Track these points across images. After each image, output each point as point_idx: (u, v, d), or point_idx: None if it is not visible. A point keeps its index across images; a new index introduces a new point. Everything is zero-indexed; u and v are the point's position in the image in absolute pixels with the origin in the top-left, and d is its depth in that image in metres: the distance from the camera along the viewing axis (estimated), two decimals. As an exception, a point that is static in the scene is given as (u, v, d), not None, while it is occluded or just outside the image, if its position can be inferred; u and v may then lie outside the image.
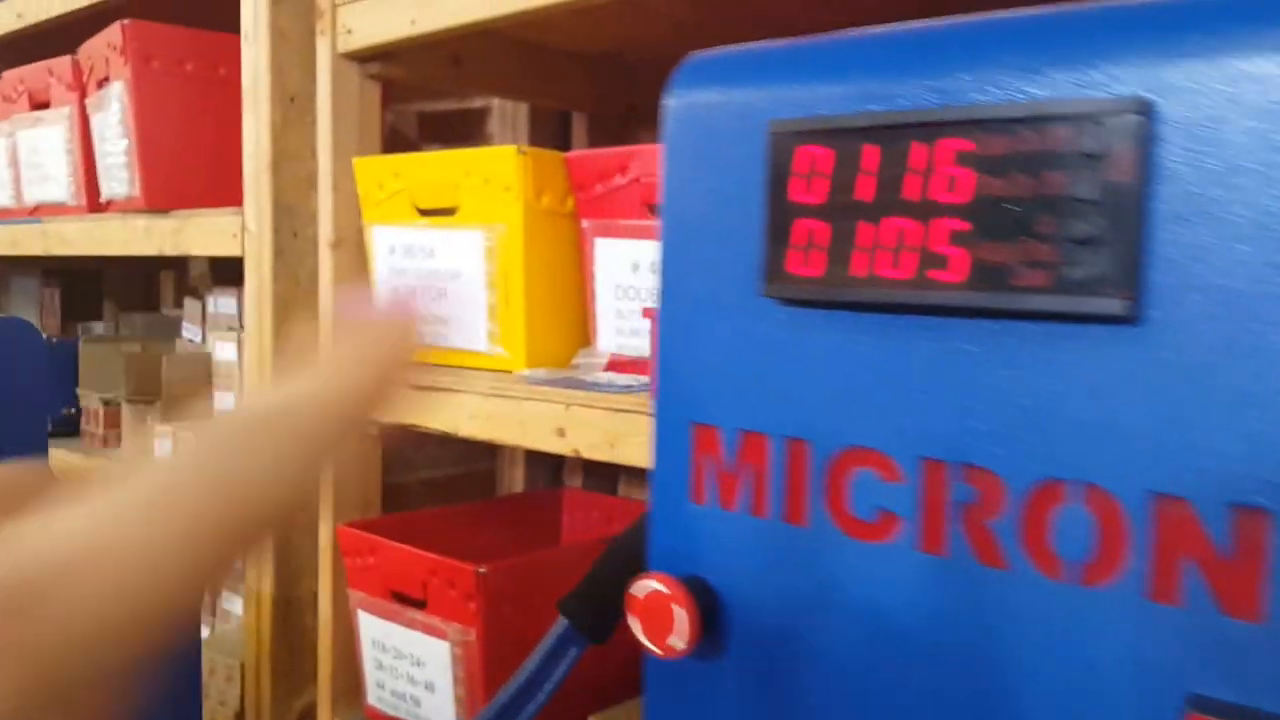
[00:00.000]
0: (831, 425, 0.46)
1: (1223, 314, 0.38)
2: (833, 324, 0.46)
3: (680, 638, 0.48)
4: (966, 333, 0.43)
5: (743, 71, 0.49)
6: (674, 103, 0.51)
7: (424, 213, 1.13)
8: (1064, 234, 0.40)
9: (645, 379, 1.01)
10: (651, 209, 1.06)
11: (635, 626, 0.49)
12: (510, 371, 1.08)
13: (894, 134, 0.44)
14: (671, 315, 0.51)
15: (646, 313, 0.94)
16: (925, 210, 0.43)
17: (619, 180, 1.08)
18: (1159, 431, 0.39)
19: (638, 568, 0.63)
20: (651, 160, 1.06)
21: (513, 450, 1.50)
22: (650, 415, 0.52)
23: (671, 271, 0.52)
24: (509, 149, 1.08)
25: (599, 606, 0.64)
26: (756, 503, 0.48)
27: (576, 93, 1.37)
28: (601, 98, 1.38)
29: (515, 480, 1.52)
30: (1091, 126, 0.39)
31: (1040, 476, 0.41)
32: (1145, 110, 0.39)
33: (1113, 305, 0.39)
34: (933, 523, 0.44)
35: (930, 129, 0.43)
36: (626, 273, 1.08)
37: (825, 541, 0.46)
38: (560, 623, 0.64)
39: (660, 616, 0.48)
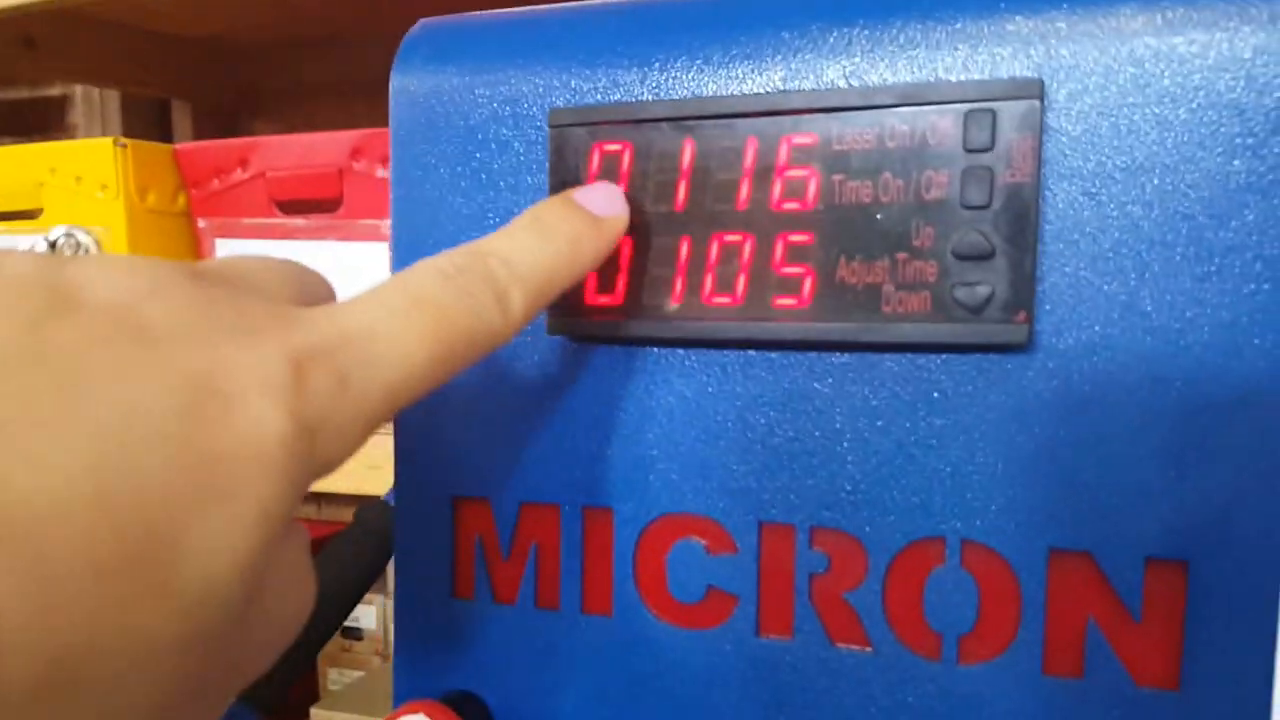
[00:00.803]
0: (642, 490, 0.35)
1: (1128, 336, 0.30)
2: (643, 365, 0.35)
3: (455, 779, 0.36)
4: (815, 370, 0.33)
5: (498, 44, 0.37)
6: (402, 83, 0.38)
7: (-2, 217, 0.93)
8: (946, 248, 0.31)
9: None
10: (279, 205, 0.91)
11: (392, 770, 0.36)
12: (122, 397, 0.90)
13: (720, 126, 0.33)
14: (417, 357, 0.38)
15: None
16: (763, 221, 0.33)
17: (240, 175, 0.93)
18: (1055, 477, 0.31)
19: (317, 622, 0.51)
20: (277, 152, 0.92)
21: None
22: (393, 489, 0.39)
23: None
24: (104, 141, 0.90)
25: (270, 672, 0.51)
26: (543, 592, 0.37)
27: (177, 79, 1.17)
28: (206, 84, 1.19)
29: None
30: (979, 115, 0.31)
31: (909, 537, 0.33)
32: (1040, 94, 0.30)
33: (1007, 331, 0.31)
34: (775, 599, 0.34)
35: (768, 119, 0.33)
36: (255, 278, 0.92)
37: (638, 632, 0.36)
38: (222, 701, 0.50)
39: (426, 756, 0.36)
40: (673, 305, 0.34)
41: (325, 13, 1.05)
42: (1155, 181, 0.30)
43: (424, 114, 0.37)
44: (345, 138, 0.88)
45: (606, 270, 0.34)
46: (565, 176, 0.35)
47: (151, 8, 1.02)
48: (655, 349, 0.35)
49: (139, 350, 0.21)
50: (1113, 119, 0.30)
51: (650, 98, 0.35)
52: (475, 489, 0.37)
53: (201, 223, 0.94)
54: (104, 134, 0.94)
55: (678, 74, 0.34)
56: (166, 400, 0.21)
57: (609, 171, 0.34)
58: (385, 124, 0.38)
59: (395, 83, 0.38)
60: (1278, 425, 0.29)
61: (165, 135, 1.21)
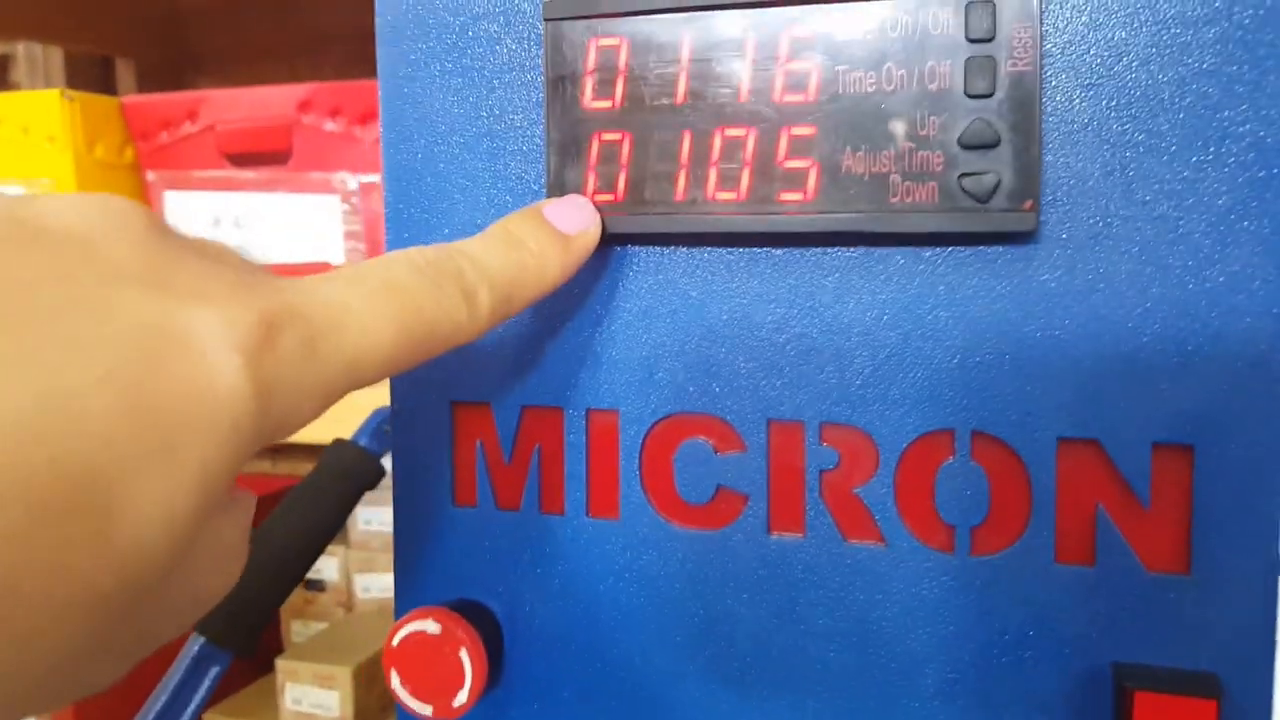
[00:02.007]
0: (648, 390, 0.34)
1: (1129, 225, 0.30)
2: (646, 264, 0.34)
3: (465, 690, 0.34)
4: (821, 264, 0.32)
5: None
6: (389, -15, 0.36)
7: (-59, 169, 0.89)
8: (952, 137, 0.30)
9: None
10: (228, 158, 0.88)
11: (396, 685, 0.34)
12: (73, 352, 0.87)
13: (720, 18, 0.32)
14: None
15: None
16: (766, 114, 0.31)
17: (189, 128, 0.89)
18: (1061, 366, 0.30)
19: (288, 563, 0.52)
20: (226, 105, 0.89)
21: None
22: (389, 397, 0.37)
23: (405, 210, 0.36)
24: (51, 93, 0.87)
25: (241, 615, 0.51)
26: (548, 496, 0.35)
27: (121, 37, 1.12)
28: (150, 42, 1.14)
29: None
30: (980, 5, 0.30)
31: (918, 430, 0.32)
32: (1039, -19, 0.29)
33: (1015, 219, 0.30)
34: (786, 497, 0.33)
35: (768, 10, 0.31)
36: (206, 229, 0.89)
37: (646, 535, 0.34)
38: (194, 641, 0.49)
39: (432, 668, 0.34)
40: (676, 201, 0.32)
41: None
42: (1150, 71, 0.29)
43: (410, 10, 0.35)
44: (294, 91, 0.86)
45: (605, 168, 0.33)
46: (562, 71, 0.33)
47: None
48: (658, 247, 0.33)
49: (101, 288, 0.20)
50: (1108, 9, 0.30)
51: (647, -10, 0.33)
52: (474, 393, 0.36)
53: (150, 175, 0.90)
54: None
55: (676, -34, 0.33)
56: (123, 342, 0.19)
57: (606, 65, 0.32)
58: (330, 80, 0.36)
59: (377, -15, 0.36)
60: (1275, 308, 0.29)
61: (109, 94, 1.16)
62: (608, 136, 0.33)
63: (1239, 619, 0.30)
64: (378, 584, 1.06)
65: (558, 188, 0.33)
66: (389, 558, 1.02)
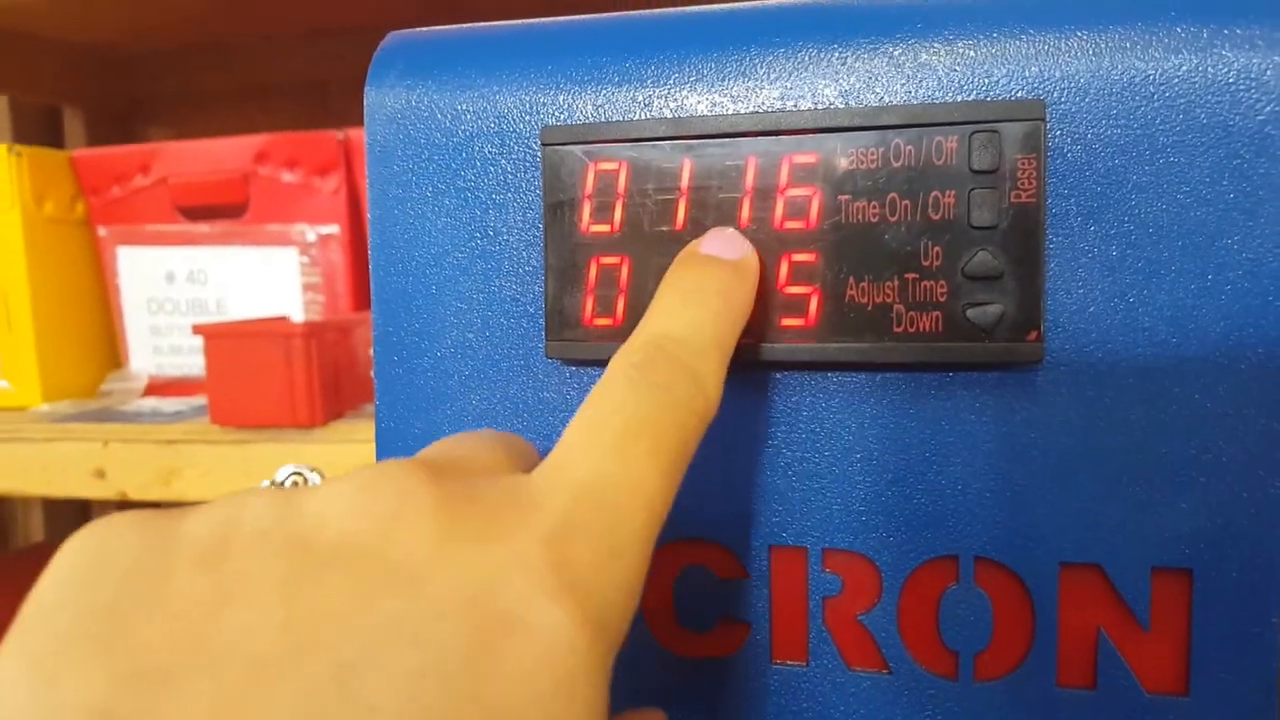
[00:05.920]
0: (646, 515, 0.32)
1: (1131, 352, 0.28)
2: (646, 389, 0.31)
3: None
4: (823, 387, 0.30)
5: (480, 58, 0.33)
6: (378, 98, 0.33)
7: (-113, 227, 0.84)
8: (956, 267, 0.28)
9: (197, 401, 0.80)
10: (182, 211, 0.84)
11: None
12: (24, 408, 0.83)
13: (720, 144, 0.30)
14: (399, 390, 0.33)
15: (196, 329, 0.73)
16: (766, 241, 0.29)
17: (141, 181, 0.85)
18: (1064, 491, 0.29)
19: None
20: (178, 159, 0.85)
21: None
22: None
23: (394, 334, 0.34)
24: (-1, 148, 0.81)
25: None
26: (544, 621, 0.33)
27: (68, 86, 1.07)
28: (99, 92, 1.10)
29: (34, 528, 1.18)
30: (984, 135, 0.28)
31: (922, 556, 0.30)
32: (1042, 115, 0.28)
33: (1021, 350, 0.28)
34: (789, 624, 0.31)
35: (769, 138, 0.29)
36: (160, 284, 0.86)
37: (644, 665, 0.32)
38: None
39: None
40: (676, 328, 0.30)
41: (211, 18, 0.97)
42: (1150, 200, 0.28)
43: (402, 130, 0.33)
44: (250, 142, 0.82)
45: (604, 292, 0.30)
46: (560, 195, 0.31)
47: (38, 12, 0.93)
48: (658, 373, 0.31)
49: (405, 601, 0.18)
50: (1108, 140, 0.28)
51: (645, 116, 0.31)
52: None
53: (102, 230, 0.86)
54: (-6, 142, 0.85)
55: (674, 91, 0.31)
56: (449, 649, 0.18)
57: (605, 190, 0.30)
58: (282, 129, 0.33)
59: (370, 98, 0.33)
60: (1272, 434, 0.27)
61: (57, 143, 1.11)
62: (606, 261, 0.30)
63: (1238, 740, 0.28)
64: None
65: (556, 313, 0.31)
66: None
